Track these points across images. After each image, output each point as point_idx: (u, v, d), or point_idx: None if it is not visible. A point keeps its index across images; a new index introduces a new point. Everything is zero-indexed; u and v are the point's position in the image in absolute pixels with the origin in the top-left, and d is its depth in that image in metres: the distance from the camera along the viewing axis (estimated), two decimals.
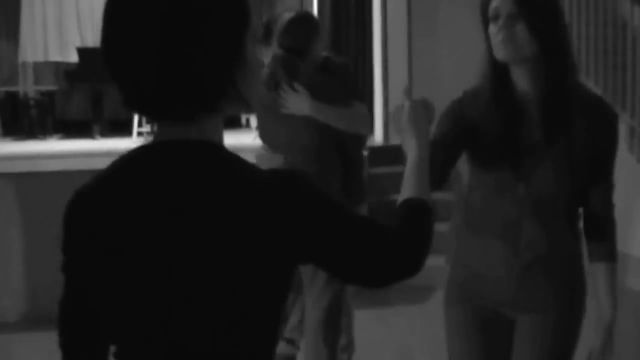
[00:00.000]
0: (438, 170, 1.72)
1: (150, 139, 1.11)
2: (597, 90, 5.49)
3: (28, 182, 4.57)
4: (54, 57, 9.63)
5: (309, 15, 3.58)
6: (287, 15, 3.04)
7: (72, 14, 9.75)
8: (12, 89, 9.46)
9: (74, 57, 8.77)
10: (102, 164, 4.36)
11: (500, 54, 1.74)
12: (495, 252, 1.86)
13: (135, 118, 7.37)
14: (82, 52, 8.50)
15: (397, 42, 6.60)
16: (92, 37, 9.74)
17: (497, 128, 1.79)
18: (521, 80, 1.79)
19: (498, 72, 1.79)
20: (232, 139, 7.24)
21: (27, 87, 9.48)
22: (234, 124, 9.69)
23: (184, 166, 1.01)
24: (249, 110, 1.15)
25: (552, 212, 1.84)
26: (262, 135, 3.19)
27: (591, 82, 5.56)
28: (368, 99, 5.65)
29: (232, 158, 1.05)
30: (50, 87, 9.45)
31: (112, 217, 1.05)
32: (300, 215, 1.03)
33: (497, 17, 1.73)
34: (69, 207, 1.14)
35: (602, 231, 1.90)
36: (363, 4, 7.39)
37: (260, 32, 3.28)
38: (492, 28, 1.74)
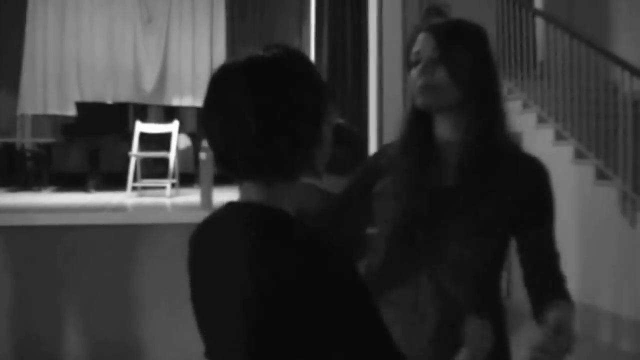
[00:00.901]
0: (340, 219, 1.75)
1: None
2: (590, 154, 5.56)
3: (19, 235, 4.55)
4: (53, 110, 9.71)
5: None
6: None
7: (72, 68, 9.87)
8: (10, 140, 9.51)
9: (72, 111, 8.86)
10: (94, 219, 4.33)
11: (419, 100, 1.59)
12: (402, 326, 1.53)
13: (130, 173, 7.38)
14: (81, 106, 8.58)
15: (392, 94, 6.69)
16: (92, 92, 9.85)
17: (402, 171, 1.62)
18: (442, 128, 1.62)
19: (418, 119, 1.63)
20: (225, 196, 7.28)
21: (25, 139, 9.54)
22: (229, 180, 9.76)
23: (250, 228, 1.15)
24: (318, 178, 1.26)
25: (458, 275, 1.56)
26: None
27: (583, 146, 5.62)
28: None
29: (290, 225, 1.14)
30: (48, 140, 9.51)
31: (194, 261, 1.28)
32: (331, 304, 1.07)
33: (418, 62, 1.60)
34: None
35: (548, 294, 1.59)
36: (360, 54, 7.50)
37: None
38: (413, 73, 1.60)
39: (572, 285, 5.50)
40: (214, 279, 1.19)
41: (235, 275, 1.13)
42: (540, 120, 6.21)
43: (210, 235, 1.24)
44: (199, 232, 1.28)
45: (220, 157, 1.19)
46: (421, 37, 1.60)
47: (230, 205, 1.23)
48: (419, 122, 1.63)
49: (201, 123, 1.21)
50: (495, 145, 1.58)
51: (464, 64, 1.56)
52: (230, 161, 1.17)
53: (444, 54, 1.55)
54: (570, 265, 6.21)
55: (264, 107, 1.11)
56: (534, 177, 1.60)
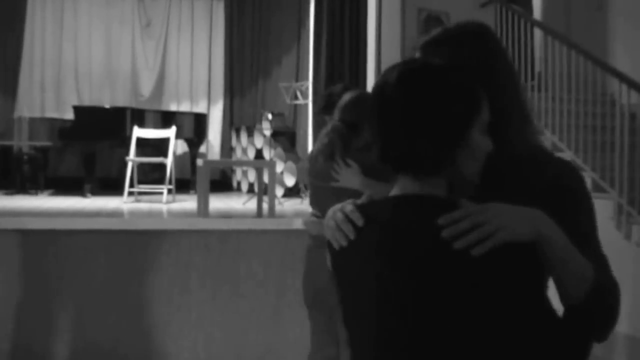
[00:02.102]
0: None
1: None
2: (586, 167, 5.56)
3: (15, 239, 4.54)
4: (50, 113, 9.72)
5: (368, 95, 3.81)
6: (351, 93, 3.23)
7: (70, 72, 9.88)
8: (6, 143, 9.51)
9: (70, 114, 8.84)
10: (90, 224, 4.29)
11: None
12: None
13: (127, 178, 7.37)
14: (78, 110, 8.57)
15: None
16: (89, 96, 9.86)
17: None
18: None
19: None
20: (221, 203, 7.27)
21: (22, 142, 9.53)
22: (226, 187, 9.75)
23: (415, 218, 1.27)
24: (465, 183, 1.32)
25: None
26: (313, 202, 3.29)
27: (580, 158, 5.63)
28: None
29: (449, 204, 1.24)
30: (44, 143, 9.50)
31: (359, 248, 1.32)
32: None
33: None
34: None
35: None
36: (358, 60, 7.52)
37: (322, 103, 3.55)
38: None
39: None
40: (386, 263, 1.26)
41: (414, 256, 1.22)
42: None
43: (378, 225, 1.31)
44: (365, 227, 1.33)
45: (384, 155, 1.33)
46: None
47: (392, 200, 1.35)
48: None
49: (365, 116, 1.37)
50: (511, 155, 1.40)
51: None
52: (383, 155, 1.32)
53: None
54: None
55: (410, 113, 1.26)
56: (545, 174, 1.38)
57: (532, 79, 6.72)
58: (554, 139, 5.96)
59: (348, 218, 1.32)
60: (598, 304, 1.25)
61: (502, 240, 1.14)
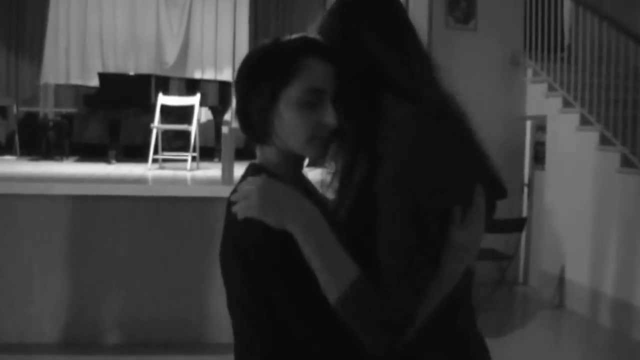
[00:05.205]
0: None
1: None
2: (615, 142, 5.45)
3: (40, 204, 4.58)
4: (75, 80, 9.75)
5: None
6: None
7: (95, 39, 9.88)
8: (32, 109, 9.57)
9: (95, 81, 8.87)
10: (114, 190, 4.29)
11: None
12: None
13: (152, 145, 7.39)
14: (103, 77, 8.59)
15: None
16: (114, 63, 9.87)
17: None
18: None
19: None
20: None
21: (47, 109, 9.59)
22: (249, 155, 9.77)
23: (243, 180, 1.38)
24: (297, 149, 1.34)
25: None
26: None
27: (609, 132, 5.54)
28: None
29: (256, 172, 1.36)
30: (70, 110, 9.55)
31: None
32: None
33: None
34: None
35: None
36: None
37: None
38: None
39: (586, 271, 5.47)
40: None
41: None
42: (566, 104, 6.12)
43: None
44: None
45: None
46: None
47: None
48: None
49: None
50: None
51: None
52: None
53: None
54: (587, 251, 6.13)
55: (237, 89, 1.39)
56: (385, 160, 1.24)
57: (562, 51, 6.61)
58: (584, 112, 5.87)
59: None
60: (350, 309, 1.17)
61: (245, 215, 1.23)
